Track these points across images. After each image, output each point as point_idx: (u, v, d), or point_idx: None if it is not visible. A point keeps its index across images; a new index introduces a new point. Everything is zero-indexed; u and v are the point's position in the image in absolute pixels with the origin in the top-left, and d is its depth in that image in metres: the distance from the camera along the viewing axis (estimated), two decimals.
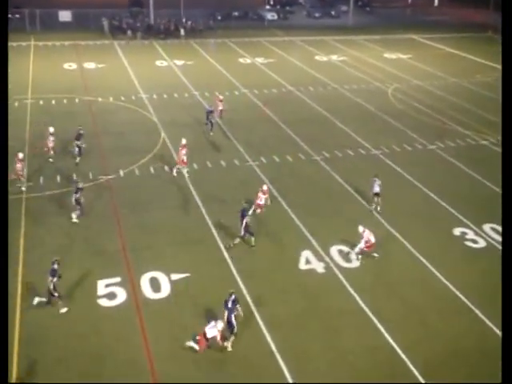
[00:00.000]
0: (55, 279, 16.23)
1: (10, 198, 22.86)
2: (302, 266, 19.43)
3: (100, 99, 36.07)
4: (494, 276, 19.04)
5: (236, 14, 69.02)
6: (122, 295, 17.40)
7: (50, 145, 26.62)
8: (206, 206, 22.88)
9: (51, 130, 26.88)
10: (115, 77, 41.63)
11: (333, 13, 73.66)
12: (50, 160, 26.39)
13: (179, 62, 46.58)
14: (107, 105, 35.26)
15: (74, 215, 21.36)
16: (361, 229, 19.55)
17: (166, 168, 26.17)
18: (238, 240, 20.31)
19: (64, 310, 16.47)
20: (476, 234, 21.79)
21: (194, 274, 18.64)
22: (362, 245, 19.52)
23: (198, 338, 15.06)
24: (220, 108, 32.55)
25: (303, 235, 21.26)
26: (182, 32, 56.72)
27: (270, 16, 69.23)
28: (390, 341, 16.04)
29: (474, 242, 21.31)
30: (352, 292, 18.16)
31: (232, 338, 15.53)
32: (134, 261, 19.16)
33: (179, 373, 14.67)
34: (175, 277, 18.36)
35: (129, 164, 26.34)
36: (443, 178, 26.74)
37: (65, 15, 61.82)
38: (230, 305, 15.63)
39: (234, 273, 18.86)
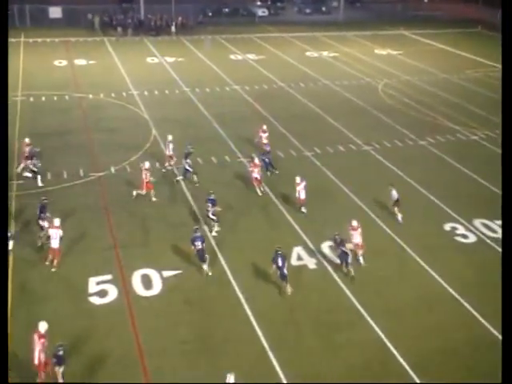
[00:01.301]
0: (61, 369, 14.11)
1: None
2: (294, 261, 19.48)
3: (91, 96, 35.91)
4: (486, 271, 19.20)
5: (226, 10, 68.78)
6: (113, 292, 17.38)
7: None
8: (197, 203, 22.86)
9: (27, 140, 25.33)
10: (106, 73, 41.44)
11: (323, 9, 73.60)
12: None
13: (170, 59, 46.42)
14: (98, 101, 35.12)
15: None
16: (355, 223, 19.53)
17: (158, 165, 26.12)
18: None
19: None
20: (466, 229, 21.93)
21: (185, 270, 18.65)
22: (357, 240, 19.40)
23: None
24: (264, 141, 27.22)
25: (294, 231, 21.32)
26: (173, 29, 56.51)
27: (261, 12, 69.08)
28: (382, 336, 16.14)
29: (465, 237, 21.45)
30: (344, 288, 18.23)
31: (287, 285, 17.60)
32: (126, 258, 19.13)
33: (171, 369, 14.70)
34: (167, 274, 18.37)
35: (120, 161, 26.26)
36: (434, 173, 26.87)
37: (55, 11, 61.36)
38: (280, 262, 17.54)
39: (225, 269, 18.89)
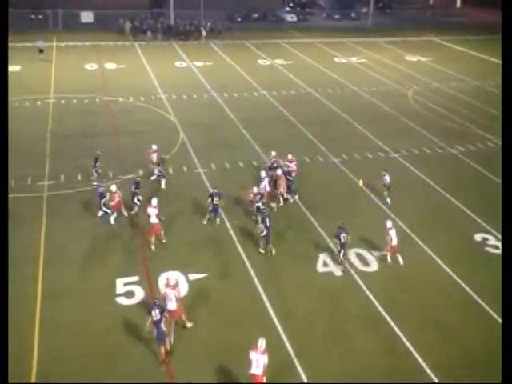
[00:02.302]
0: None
1: (31, 196, 23.27)
2: (320, 268, 19.40)
3: (120, 99, 36.39)
4: None
5: (255, 15, 69.12)
6: (139, 294, 17.54)
7: None
8: (224, 206, 22.92)
9: None
10: (135, 77, 41.95)
11: (352, 15, 73.36)
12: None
13: (198, 63, 46.78)
14: (127, 105, 35.56)
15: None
16: (389, 224, 19.53)
17: (185, 169, 26.31)
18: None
19: None
20: (497, 239, 21.53)
21: (211, 274, 18.71)
22: (392, 242, 19.41)
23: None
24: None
25: (321, 238, 21.21)
26: (204, 33, 56.92)
27: (290, 17, 69.19)
28: (407, 344, 15.94)
29: (496, 247, 21.06)
30: (369, 295, 18.07)
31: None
32: (152, 260, 19.29)
33: (194, 371, 14.75)
34: (193, 277, 18.45)
35: (148, 163, 26.48)
36: (463, 182, 26.47)
37: (87, 16, 62.52)
38: (343, 239, 19.07)
39: (251, 274, 18.89)
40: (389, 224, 19.70)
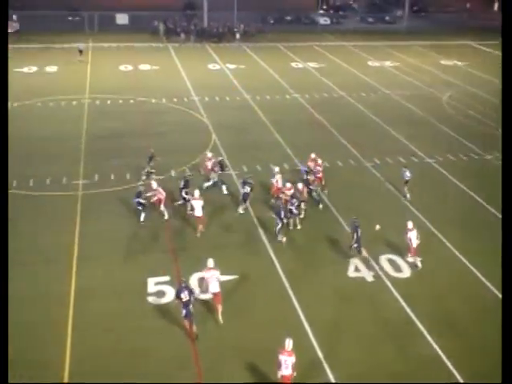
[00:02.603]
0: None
1: (66, 194, 23.66)
2: (351, 273, 19.23)
3: (153, 100, 36.76)
4: None
5: (288, 18, 69.05)
6: (170, 294, 17.58)
7: None
8: (254, 208, 22.94)
9: None
10: (168, 79, 42.35)
11: (387, 18, 72.63)
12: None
13: (231, 66, 46.97)
14: (160, 106, 35.91)
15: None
16: (410, 225, 19.35)
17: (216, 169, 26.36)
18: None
19: None
20: None
21: (241, 276, 18.73)
22: (412, 243, 19.25)
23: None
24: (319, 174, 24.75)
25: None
26: (238, 36, 57.13)
27: (323, 20, 68.90)
28: (439, 352, 15.65)
29: None
30: (401, 302, 17.82)
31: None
32: (183, 260, 19.40)
33: (223, 372, 14.79)
34: (223, 278, 18.41)
35: (180, 164, 26.70)
36: (500, 189, 25.84)
37: (122, 18, 63.43)
38: (359, 233, 19.45)
39: (281, 277, 18.83)
40: (409, 225, 19.42)
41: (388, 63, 50.11)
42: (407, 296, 18.05)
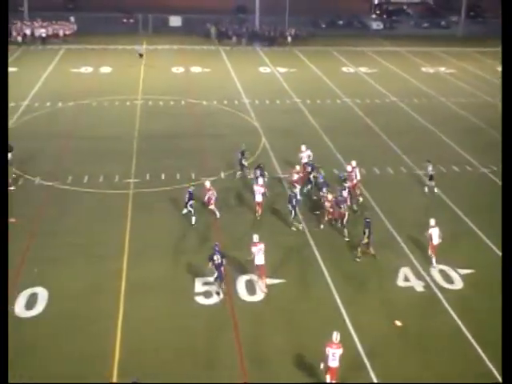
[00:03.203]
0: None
1: (118, 193, 24.14)
2: (400, 282, 18.84)
3: (204, 102, 37.13)
4: None
5: (340, 22, 68.60)
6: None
7: None
8: (304, 214, 22.81)
9: None
10: (219, 81, 42.70)
11: (442, 23, 71.12)
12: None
13: (282, 69, 46.95)
14: (211, 108, 36.23)
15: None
16: (432, 222, 19.50)
17: (266, 173, 26.34)
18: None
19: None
20: None
21: (289, 280, 18.63)
22: (433, 241, 19.48)
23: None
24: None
25: (403, 251, 20.61)
26: (289, 39, 57.15)
27: (376, 25, 68.10)
28: (493, 370, 15.11)
29: None
30: (452, 314, 17.33)
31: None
32: (230, 262, 19.43)
33: (269, 374, 14.75)
34: (271, 281, 18.43)
35: (230, 167, 26.84)
36: None
37: (175, 20, 64.54)
38: (371, 230, 19.57)
39: (329, 283, 18.63)
40: (432, 222, 19.66)
41: (443, 69, 49.01)
42: (458, 308, 17.55)
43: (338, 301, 17.75)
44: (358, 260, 19.89)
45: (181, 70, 46.00)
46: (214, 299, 17.54)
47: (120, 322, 16.31)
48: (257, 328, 16.46)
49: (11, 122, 32.10)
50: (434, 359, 15.56)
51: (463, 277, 19.11)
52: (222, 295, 17.51)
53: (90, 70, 44.80)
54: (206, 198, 22.17)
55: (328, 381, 14.08)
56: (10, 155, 24.04)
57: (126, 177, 25.55)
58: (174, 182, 25.24)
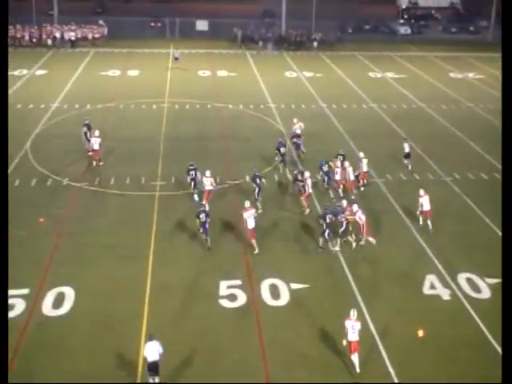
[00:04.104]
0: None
1: (144, 195, 24.36)
2: (426, 290, 18.62)
3: (230, 106, 37.27)
4: None
5: (367, 27, 68.25)
6: (242, 298, 17.75)
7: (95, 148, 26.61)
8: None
9: (96, 133, 27.00)
10: (245, 85, 42.83)
11: (471, 28, 70.20)
12: (100, 164, 26.83)
13: (308, 74, 46.88)
14: (237, 112, 36.36)
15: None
16: (421, 192, 21.65)
17: (289, 177, 26.37)
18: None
19: None
20: None
21: (313, 285, 18.56)
22: (423, 207, 21.65)
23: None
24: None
25: (429, 258, 20.37)
26: (315, 44, 57.08)
27: (403, 30, 67.50)
28: None
29: None
30: (479, 323, 17.05)
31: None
32: (255, 265, 19.48)
33: (292, 378, 14.72)
34: (295, 286, 18.39)
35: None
36: None
37: (202, 24, 64.89)
38: (328, 220, 20.06)
39: (354, 289, 18.51)
40: (421, 192, 21.93)
41: (471, 75, 48.38)
42: (485, 318, 17.25)
43: (363, 306, 17.61)
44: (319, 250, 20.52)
45: (207, 73, 46.27)
46: (239, 302, 17.57)
47: (145, 322, 16.44)
48: (281, 332, 16.42)
49: (41, 124, 32.71)
50: (459, 369, 15.31)
51: (491, 286, 18.79)
52: (209, 243, 20.14)
53: (117, 72, 45.37)
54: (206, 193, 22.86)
55: (352, 356, 14.82)
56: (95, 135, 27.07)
57: (152, 179, 25.78)
58: (199, 185, 25.33)
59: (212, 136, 31.90)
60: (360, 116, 36.25)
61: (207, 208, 21.12)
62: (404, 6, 75.38)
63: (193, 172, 23.44)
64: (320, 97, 39.99)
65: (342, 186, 24.64)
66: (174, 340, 15.83)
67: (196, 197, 23.61)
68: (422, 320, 17.06)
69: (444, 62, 53.33)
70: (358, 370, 14.78)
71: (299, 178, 24.04)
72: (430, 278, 19.15)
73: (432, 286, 18.80)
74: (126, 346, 15.57)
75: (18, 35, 53.92)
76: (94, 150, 26.78)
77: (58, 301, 17.30)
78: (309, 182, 23.25)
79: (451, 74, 48.72)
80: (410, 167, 27.22)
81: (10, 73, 43.33)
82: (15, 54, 50.64)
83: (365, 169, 25.54)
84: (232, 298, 17.76)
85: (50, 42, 53.86)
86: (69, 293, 17.65)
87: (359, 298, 18.04)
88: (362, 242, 20.82)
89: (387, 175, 27.06)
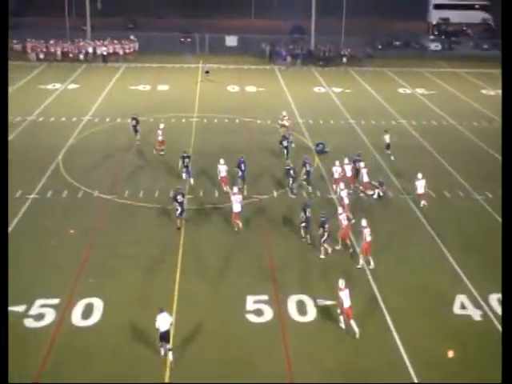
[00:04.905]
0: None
1: (172, 208, 24.48)
2: (457, 310, 18.26)
3: (258, 121, 37.40)
4: None
5: (397, 43, 67.94)
6: (268, 313, 17.68)
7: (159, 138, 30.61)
8: (357, 235, 22.49)
9: (161, 126, 31.19)
10: (274, 100, 42.92)
11: None
12: (161, 153, 30.32)
13: (337, 89, 46.83)
14: (265, 127, 36.45)
15: None
16: (419, 175, 23.75)
17: (319, 193, 26.29)
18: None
19: None
20: None
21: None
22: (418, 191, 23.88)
23: None
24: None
25: (459, 278, 19.99)
26: (344, 60, 57.07)
27: (434, 46, 66.97)
28: None
29: None
30: None
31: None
32: (282, 281, 19.37)
33: None
34: (321, 302, 18.22)
35: (283, 185, 26.86)
36: None
37: (231, 40, 65.56)
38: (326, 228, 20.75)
39: (382, 307, 18.25)
40: (419, 176, 24.26)
41: None
42: None
43: (390, 323, 17.36)
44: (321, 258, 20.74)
45: (236, 88, 46.60)
46: (265, 318, 17.49)
47: (172, 334, 16.45)
48: (307, 348, 16.27)
49: (73, 137, 33.32)
50: None
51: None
52: (178, 225, 22.31)
53: (147, 87, 46.01)
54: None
55: (343, 321, 16.76)
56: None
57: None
58: (226, 200, 25.40)
59: (240, 150, 31.83)
60: (389, 132, 35.88)
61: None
62: (435, 22, 74.85)
63: (180, 196, 22.67)
64: (349, 112, 39.85)
65: (339, 185, 24.82)
66: (201, 349, 15.91)
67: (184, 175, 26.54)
68: (453, 340, 16.71)
69: (476, 78, 52.72)
70: (357, 336, 16.40)
71: (291, 172, 25.83)
72: (461, 298, 18.78)
73: (463, 306, 18.44)
74: (153, 357, 15.61)
75: (52, 50, 55.32)
76: (160, 141, 30.66)
77: (87, 311, 17.49)
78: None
79: (483, 91, 48.11)
80: (392, 158, 30.20)
81: (43, 86, 44.63)
82: (49, 68, 51.99)
83: (365, 179, 25.84)
84: (259, 312, 17.69)
85: (82, 56, 55.05)
86: (97, 303, 17.82)
87: (387, 315, 17.77)
88: (338, 247, 21.28)
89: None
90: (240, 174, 26.09)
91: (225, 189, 25.50)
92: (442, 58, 61.83)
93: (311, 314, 17.72)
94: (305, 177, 26.40)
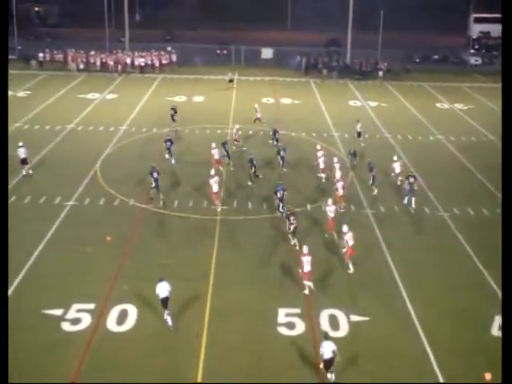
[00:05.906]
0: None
1: (206, 218, 24.63)
2: (494, 331, 17.76)
3: (293, 134, 37.37)
4: None
5: (436, 57, 67.15)
6: (300, 327, 17.56)
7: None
8: (391, 251, 22.21)
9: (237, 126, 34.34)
10: (309, 113, 42.89)
11: None
12: (244, 148, 32.97)
13: (373, 103, 46.51)
14: (299, 139, 36.39)
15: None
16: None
17: (353, 208, 26.07)
18: None
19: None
20: None
21: (373, 318, 18.13)
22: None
23: None
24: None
25: (497, 298, 19.45)
26: (381, 73, 56.69)
27: (473, 60, 65.95)
28: None
29: None
30: None
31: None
32: (314, 294, 19.20)
33: None
34: (354, 318, 18.00)
35: (316, 200, 26.74)
36: None
37: (267, 52, 65.94)
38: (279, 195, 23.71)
39: (417, 326, 17.89)
40: (395, 157, 26.97)
41: None
42: None
43: (425, 343, 17.03)
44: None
45: (271, 101, 46.72)
46: (297, 331, 17.37)
47: (204, 343, 16.53)
48: (339, 364, 16.02)
49: (110, 146, 33.90)
50: None
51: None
52: (162, 202, 25.48)
53: (183, 98, 46.53)
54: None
55: (306, 283, 18.80)
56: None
57: (213, 203, 26.06)
58: (259, 212, 25.47)
59: (275, 163, 31.96)
60: (426, 147, 35.47)
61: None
62: (475, 36, 73.75)
63: (155, 173, 26.01)
64: (384, 127, 39.48)
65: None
66: (231, 362, 15.88)
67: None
68: (491, 363, 16.24)
69: None
70: (306, 292, 18.70)
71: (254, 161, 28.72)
72: (499, 319, 18.24)
73: (501, 328, 17.93)
74: (184, 365, 15.68)
75: (92, 61, 56.62)
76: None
77: (122, 317, 17.70)
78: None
79: None
80: (362, 144, 33.71)
81: (82, 96, 45.64)
82: (88, 78, 53.18)
83: (340, 192, 25.60)
84: (291, 325, 17.57)
85: (120, 67, 56.15)
86: (131, 310, 18.02)
87: (421, 333, 17.44)
88: (350, 271, 20.74)
89: (454, 209, 26.23)
90: (280, 204, 24.79)
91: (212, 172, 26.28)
92: (482, 73, 60.78)
93: (343, 329, 17.51)
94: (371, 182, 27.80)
